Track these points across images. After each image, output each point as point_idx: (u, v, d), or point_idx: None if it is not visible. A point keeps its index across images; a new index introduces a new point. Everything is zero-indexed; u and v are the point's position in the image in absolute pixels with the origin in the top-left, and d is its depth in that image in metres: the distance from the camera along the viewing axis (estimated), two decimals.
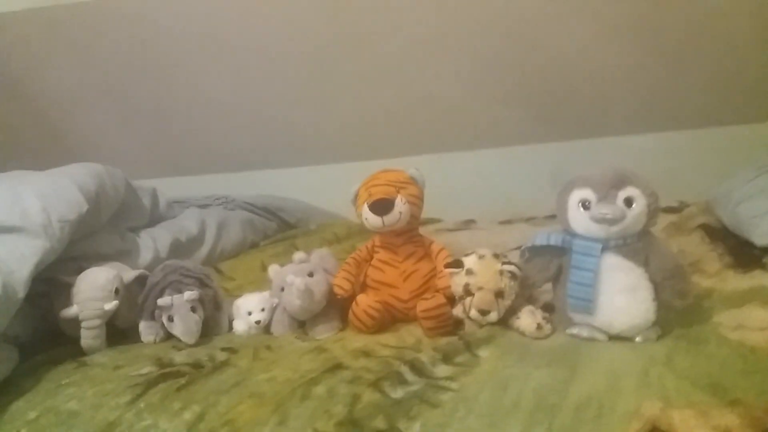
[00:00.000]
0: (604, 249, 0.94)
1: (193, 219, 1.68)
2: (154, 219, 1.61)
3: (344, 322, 1.12)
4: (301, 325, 1.12)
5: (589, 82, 2.04)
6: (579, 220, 0.95)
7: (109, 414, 0.83)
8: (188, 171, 2.39)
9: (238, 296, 1.19)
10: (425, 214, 1.23)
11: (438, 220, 1.96)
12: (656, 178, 0.97)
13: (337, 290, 1.11)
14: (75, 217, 1.15)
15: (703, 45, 1.90)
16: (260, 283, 1.30)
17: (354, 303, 1.08)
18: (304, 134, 2.32)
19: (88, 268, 1.14)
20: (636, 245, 0.94)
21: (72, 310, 1.07)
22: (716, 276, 1.18)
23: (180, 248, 1.51)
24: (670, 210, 1.69)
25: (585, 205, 0.94)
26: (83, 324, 1.07)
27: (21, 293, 0.98)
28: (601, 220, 0.92)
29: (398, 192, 1.10)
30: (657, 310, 0.93)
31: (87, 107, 2.27)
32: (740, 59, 1.92)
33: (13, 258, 1.00)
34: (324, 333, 1.08)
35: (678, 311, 0.98)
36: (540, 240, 1.00)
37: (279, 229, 2.02)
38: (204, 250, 1.62)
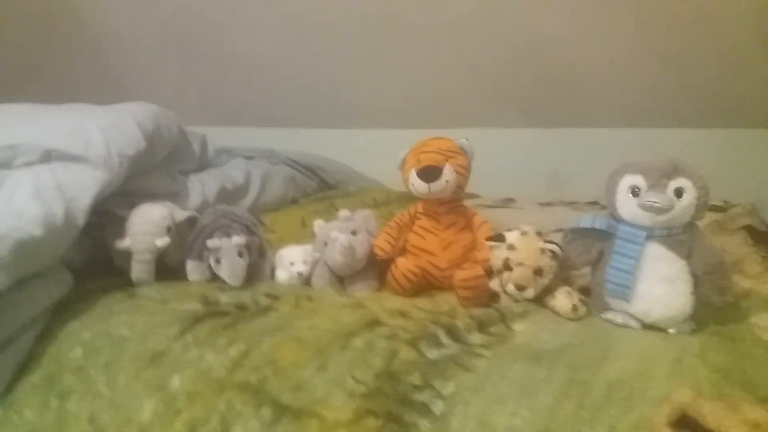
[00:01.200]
0: (649, 237, 0.94)
1: (239, 169, 1.71)
2: (203, 165, 1.65)
3: (381, 283, 1.15)
4: (340, 280, 1.15)
5: (636, 71, 2.01)
6: (626, 206, 0.95)
7: (158, 343, 0.87)
8: (237, 122, 2.43)
9: (278, 247, 1.22)
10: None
11: (477, 196, 1.96)
12: (704, 175, 0.97)
13: (377, 251, 1.13)
14: (133, 153, 1.19)
15: (758, 40, 1.85)
16: (299, 238, 1.32)
17: (393, 265, 1.10)
18: (351, 97, 2.34)
19: (140, 204, 1.18)
20: (681, 237, 0.94)
21: (125, 243, 1.11)
22: (757, 278, 1.18)
23: (226, 195, 1.54)
24: (714, 209, 1.67)
25: (634, 191, 0.94)
26: (134, 257, 1.11)
27: (81, 220, 1.03)
28: (649, 208, 0.92)
29: (447, 160, 1.11)
30: (694, 304, 0.93)
31: (144, 49, 2.31)
32: None
33: (76, 186, 1.05)
34: (362, 290, 1.11)
35: (715, 308, 0.99)
36: (585, 222, 1.01)
37: (318, 188, 2.04)
38: (248, 200, 1.66)
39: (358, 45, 2.17)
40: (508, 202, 1.91)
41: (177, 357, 0.84)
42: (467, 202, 1.72)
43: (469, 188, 1.83)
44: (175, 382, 0.79)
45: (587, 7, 1.89)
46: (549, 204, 1.86)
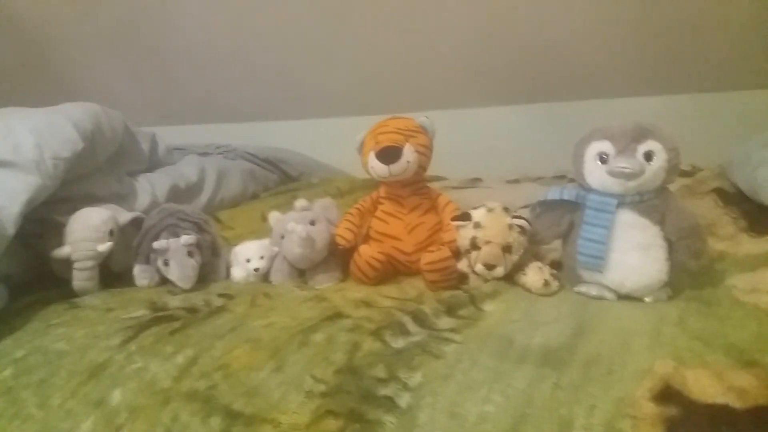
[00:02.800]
0: (620, 205, 0.90)
1: (192, 166, 1.64)
2: (153, 164, 1.57)
3: (345, 273, 1.09)
4: (301, 274, 1.09)
5: (602, 41, 1.98)
6: (595, 173, 0.91)
7: (99, 355, 0.80)
8: (190, 120, 2.35)
9: (236, 245, 1.16)
10: (430, 171, 1.19)
11: (443, 178, 1.92)
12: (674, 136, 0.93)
13: (339, 240, 1.07)
14: (69, 155, 1.11)
15: (720, 7, 1.83)
16: (260, 233, 1.26)
17: (356, 253, 1.05)
18: (308, 86, 2.27)
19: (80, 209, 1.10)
20: (653, 202, 0.90)
21: (64, 251, 1.04)
22: (730, 239, 1.15)
23: (179, 194, 1.47)
24: (683, 173, 1.64)
25: (602, 158, 0.90)
26: (75, 265, 1.04)
27: (11, 229, 0.95)
28: (618, 174, 0.87)
29: (407, 140, 1.06)
30: (670, 270, 0.89)
31: (89, 51, 2.21)
32: (757, 24, 1.85)
33: (3, 193, 0.97)
34: (324, 282, 1.05)
35: (690, 273, 0.95)
36: (553, 194, 0.96)
37: (280, 181, 1.98)
38: (203, 198, 1.59)
39: (313, 30, 2.10)
40: (475, 182, 1.87)
41: (119, 369, 0.77)
42: (433, 185, 1.68)
43: (436, 170, 1.79)
44: (116, 396, 0.72)
45: None
46: (516, 181, 1.82)
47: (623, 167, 0.87)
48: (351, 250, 1.07)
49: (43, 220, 1.09)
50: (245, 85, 2.27)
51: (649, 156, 0.88)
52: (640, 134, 0.88)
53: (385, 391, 0.68)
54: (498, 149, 2.09)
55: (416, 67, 2.15)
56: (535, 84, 2.11)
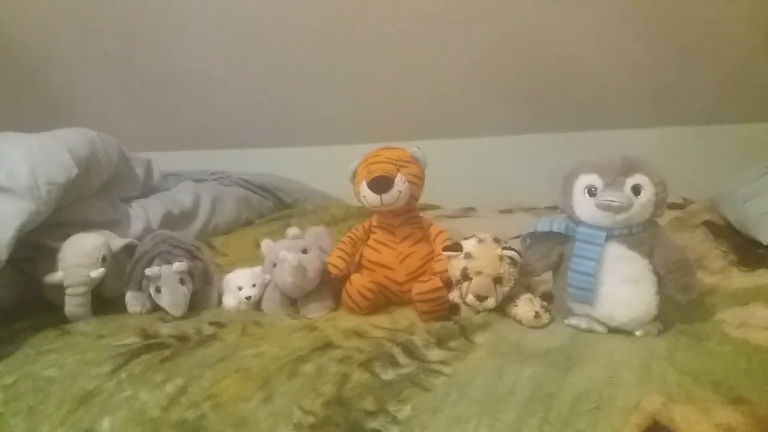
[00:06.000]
0: (608, 238, 0.91)
1: (187, 192, 1.64)
2: (148, 190, 1.57)
3: (337, 302, 1.09)
4: (293, 302, 1.09)
5: (595, 73, 2.01)
6: (584, 206, 0.92)
7: (88, 383, 0.80)
8: (186, 146, 2.35)
9: (229, 272, 1.16)
10: (424, 200, 1.19)
11: (437, 207, 1.93)
12: (660, 170, 0.94)
13: (331, 269, 1.07)
14: (63, 181, 1.12)
15: (711, 42, 1.87)
16: (253, 260, 1.26)
17: (348, 282, 1.05)
18: (304, 114, 2.29)
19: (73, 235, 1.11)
20: (641, 235, 0.91)
21: (56, 276, 1.04)
22: (720, 273, 1.16)
23: (172, 220, 1.47)
24: (674, 206, 1.66)
25: (591, 191, 0.91)
26: (68, 291, 1.04)
27: (3, 255, 0.94)
28: (606, 208, 0.88)
29: (398, 170, 1.07)
30: (659, 303, 0.90)
31: (86, 74, 2.23)
32: (748, 58, 1.89)
33: None
34: (316, 312, 1.05)
35: (680, 307, 0.95)
36: (542, 226, 0.97)
37: (275, 208, 1.99)
38: (197, 225, 1.59)
39: (309, 59, 2.12)
40: (468, 212, 1.88)
41: (108, 397, 0.77)
42: (427, 214, 1.69)
43: (430, 199, 1.80)
44: (105, 425, 0.72)
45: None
46: (509, 211, 1.83)
47: (611, 200, 0.88)
48: (343, 279, 1.07)
49: (36, 246, 1.09)
50: (241, 112, 2.29)
51: (637, 189, 0.89)
52: (629, 168, 0.90)
53: (373, 424, 0.68)
54: (492, 179, 2.10)
55: (411, 96, 2.18)
56: (531, 114, 2.14)
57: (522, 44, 1.97)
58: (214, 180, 1.88)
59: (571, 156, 0.99)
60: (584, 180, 0.92)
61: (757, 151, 1.67)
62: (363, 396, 0.73)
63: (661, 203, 0.91)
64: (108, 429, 0.72)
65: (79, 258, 1.05)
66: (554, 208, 1.72)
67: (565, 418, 0.66)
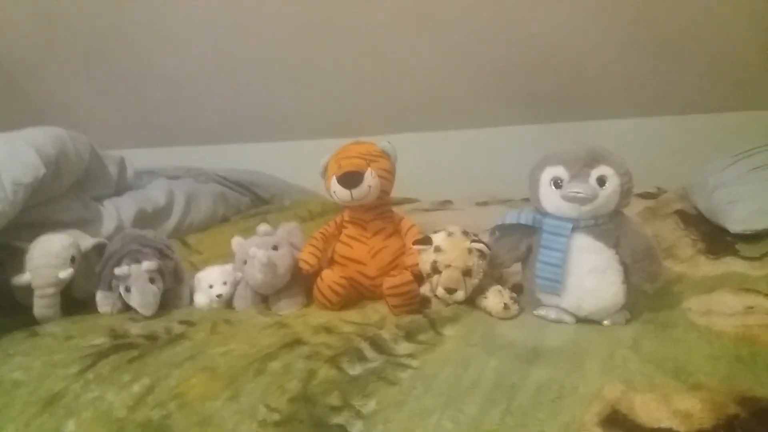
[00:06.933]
0: (575, 229, 0.92)
1: (161, 189, 1.63)
2: (121, 189, 1.56)
3: (309, 298, 1.09)
4: (265, 300, 1.09)
5: (571, 65, 2.01)
6: (550, 198, 0.93)
7: (55, 384, 0.79)
8: (161, 142, 2.34)
9: (201, 270, 1.15)
10: (401, 193, 1.19)
11: (414, 200, 1.93)
12: (635, 163, 0.95)
13: (302, 265, 1.07)
14: (30, 181, 1.11)
15: (688, 33, 1.88)
16: (228, 257, 1.25)
17: (319, 278, 1.05)
18: (280, 109, 2.28)
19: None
20: (607, 226, 0.92)
21: (24, 278, 1.03)
22: (688, 261, 1.17)
23: (146, 219, 1.46)
24: (647, 195, 1.68)
25: (557, 183, 0.92)
26: (36, 292, 1.03)
27: None
28: (572, 199, 0.89)
29: (368, 165, 1.07)
30: (626, 293, 0.91)
31: (56, 73, 2.20)
32: (724, 49, 1.90)
33: None
34: (287, 308, 1.05)
35: (648, 296, 0.97)
36: (510, 218, 0.98)
37: (252, 204, 1.98)
38: (171, 222, 1.58)
39: (286, 53, 2.11)
40: (445, 204, 1.88)
41: (75, 398, 0.76)
42: (404, 207, 1.70)
43: (407, 192, 1.80)
44: (70, 427, 0.72)
45: None
46: (485, 203, 1.84)
47: (576, 192, 0.89)
48: (315, 275, 1.07)
49: (3, 247, 1.08)
50: (217, 107, 2.27)
51: (602, 181, 0.90)
52: (593, 159, 0.91)
53: (337, 419, 0.68)
54: (469, 171, 2.11)
55: (389, 90, 2.17)
56: (506, 107, 2.14)
57: (498, 37, 1.97)
58: (190, 177, 1.87)
59: (549, 148, 0.99)
60: (550, 172, 0.93)
61: (729, 141, 1.69)
62: (329, 392, 0.73)
63: (626, 194, 0.92)
64: (74, 431, 0.71)
65: (47, 258, 1.04)
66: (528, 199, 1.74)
67: (527, 409, 0.67)
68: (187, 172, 1.89)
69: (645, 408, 0.66)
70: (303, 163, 1.80)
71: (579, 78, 2.05)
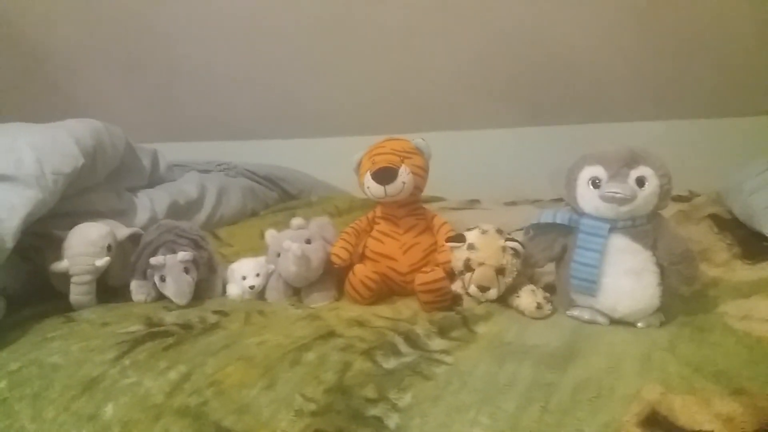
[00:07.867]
0: (612, 230, 0.90)
1: (193, 183, 1.65)
2: (154, 181, 1.58)
3: (340, 292, 1.10)
4: (296, 292, 1.10)
5: (598, 66, 2.00)
6: (588, 198, 0.92)
7: (93, 369, 0.80)
8: (191, 137, 2.37)
9: (234, 262, 1.16)
10: (429, 191, 1.19)
11: (442, 199, 1.93)
12: (665, 163, 0.93)
13: (334, 259, 1.08)
14: (70, 171, 1.12)
15: (714, 34, 1.85)
16: (258, 250, 1.27)
17: (351, 273, 1.05)
18: (309, 106, 2.29)
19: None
20: (645, 227, 0.91)
21: (62, 265, 1.04)
22: (724, 266, 1.15)
23: (178, 211, 1.48)
24: (679, 199, 1.66)
25: (595, 183, 0.91)
26: (73, 279, 1.04)
27: (9, 243, 0.95)
28: (610, 200, 0.88)
29: (402, 161, 1.07)
30: (662, 295, 0.90)
31: (92, 65, 2.24)
32: (752, 50, 1.87)
33: (3, 207, 0.98)
34: (319, 301, 1.06)
35: (683, 299, 0.96)
36: (546, 217, 0.97)
37: (280, 199, 1.99)
38: (202, 215, 1.60)
39: (314, 51, 2.12)
40: (473, 204, 1.88)
41: (112, 383, 0.77)
42: (431, 206, 1.69)
43: (435, 191, 1.80)
44: (109, 410, 0.73)
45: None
46: (514, 203, 1.83)
47: (615, 192, 0.87)
48: (346, 269, 1.08)
49: (42, 234, 1.09)
50: (246, 104, 2.30)
51: (641, 181, 0.89)
52: (633, 160, 0.90)
53: (374, 411, 0.68)
54: (497, 171, 2.10)
55: (416, 88, 2.18)
56: (535, 107, 2.13)
57: (525, 37, 1.96)
58: (220, 171, 1.89)
59: (576, 149, 0.99)
60: (588, 172, 0.92)
61: (763, 144, 1.66)
62: (364, 384, 0.73)
63: (665, 195, 0.91)
64: (112, 414, 0.72)
65: (85, 247, 1.05)
66: (559, 200, 1.72)
67: (565, 407, 0.67)
68: (217, 167, 1.91)
69: (685, 410, 0.65)
70: (330, 160, 1.82)
71: (607, 80, 2.03)
